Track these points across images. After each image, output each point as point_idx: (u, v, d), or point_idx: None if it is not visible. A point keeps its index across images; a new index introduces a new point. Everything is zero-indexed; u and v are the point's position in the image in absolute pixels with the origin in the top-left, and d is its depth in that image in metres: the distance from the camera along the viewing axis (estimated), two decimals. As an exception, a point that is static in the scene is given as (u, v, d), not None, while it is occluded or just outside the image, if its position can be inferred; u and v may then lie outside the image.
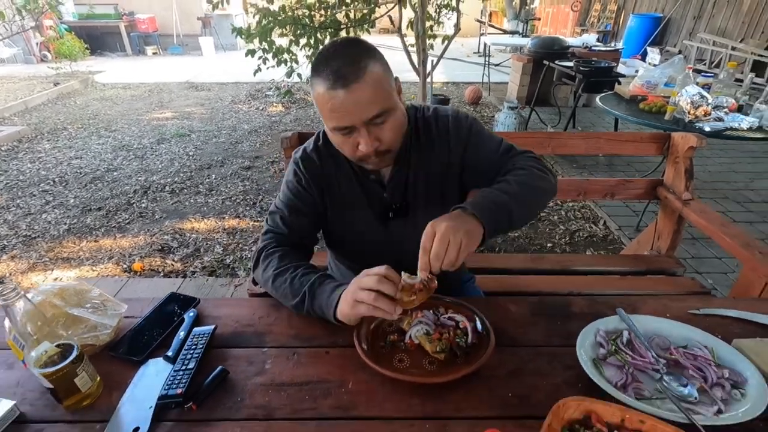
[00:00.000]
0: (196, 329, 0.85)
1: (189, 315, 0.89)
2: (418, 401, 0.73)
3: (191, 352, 0.79)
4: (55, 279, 2.48)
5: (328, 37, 4.30)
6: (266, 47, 4.20)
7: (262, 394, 0.74)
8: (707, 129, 2.36)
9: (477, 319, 0.87)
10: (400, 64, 4.28)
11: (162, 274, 2.50)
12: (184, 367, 0.76)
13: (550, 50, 5.20)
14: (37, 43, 9.21)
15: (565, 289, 1.55)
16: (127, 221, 3.09)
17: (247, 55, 4.08)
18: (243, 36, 4.02)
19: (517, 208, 0.86)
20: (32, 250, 2.76)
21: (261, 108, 5.88)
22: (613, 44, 9.91)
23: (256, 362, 0.81)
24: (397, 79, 0.91)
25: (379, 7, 4.40)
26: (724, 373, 0.74)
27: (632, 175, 3.75)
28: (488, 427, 0.67)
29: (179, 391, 0.71)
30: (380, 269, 0.78)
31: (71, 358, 0.68)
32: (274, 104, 5.99)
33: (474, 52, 10.19)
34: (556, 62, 4.53)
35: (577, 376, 0.76)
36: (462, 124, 1.01)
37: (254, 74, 4.07)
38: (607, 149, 1.77)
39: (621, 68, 6.52)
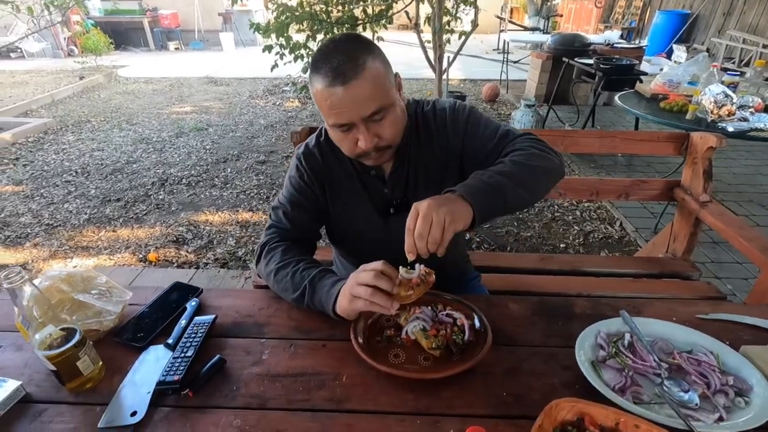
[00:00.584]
0: (197, 318, 0.87)
1: (191, 304, 0.91)
2: (411, 396, 0.73)
3: (191, 340, 0.81)
4: (74, 267, 2.56)
5: (345, 32, 4.30)
6: (283, 43, 4.23)
7: (257, 383, 0.75)
8: (730, 129, 2.28)
9: (475, 316, 0.86)
10: (417, 60, 4.27)
11: (176, 264, 2.56)
12: (182, 355, 0.77)
13: (571, 47, 5.10)
14: (64, 38, 9.48)
15: (573, 291, 1.52)
16: (144, 212, 3.17)
17: (264, 50, 4.12)
18: (260, 31, 4.06)
19: (513, 188, 0.82)
20: (54, 238, 2.85)
21: (277, 103, 5.94)
22: (637, 41, 9.67)
23: (253, 352, 0.82)
24: (397, 74, 0.91)
25: (396, 3, 4.39)
26: (728, 379, 0.72)
27: (652, 175, 3.66)
28: (480, 425, 0.66)
29: (176, 377, 0.73)
30: (377, 264, 0.78)
31: (74, 341, 0.70)
32: (291, 99, 6.03)
33: (493, 49, 10.05)
34: (576, 59, 4.44)
35: (575, 377, 0.75)
36: (459, 115, 0.99)
37: (271, 70, 4.11)
38: (623, 148, 1.73)
39: (645, 66, 6.36)
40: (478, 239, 2.81)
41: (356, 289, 0.77)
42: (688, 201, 1.64)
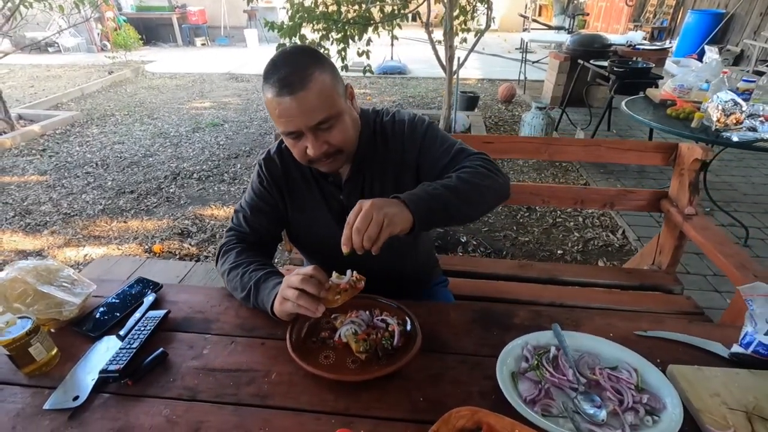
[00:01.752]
0: (150, 312, 0.93)
1: (147, 298, 0.97)
2: (331, 397, 0.76)
3: (140, 332, 0.87)
4: (85, 256, 2.71)
5: (357, 32, 4.35)
6: (297, 42, 4.31)
7: (192, 376, 0.81)
8: (735, 139, 2.20)
9: (408, 322, 0.89)
10: (434, 59, 4.28)
11: (178, 256, 2.67)
12: (128, 346, 0.83)
13: (589, 48, 4.99)
14: (98, 33, 9.88)
15: (546, 299, 1.52)
16: (155, 205, 3.30)
17: (277, 49, 4.21)
18: (275, 30, 4.14)
19: (456, 201, 0.86)
20: (69, 227, 3.01)
21: (293, 100, 6.03)
22: (668, 42, 9.32)
23: (196, 347, 0.87)
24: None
25: (410, 3, 4.39)
26: (642, 398, 0.73)
27: (664, 184, 3.55)
28: (389, 429, 0.70)
29: (118, 367, 0.79)
30: (308, 269, 0.82)
31: (25, 329, 0.77)
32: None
33: (516, 48, 9.88)
34: (591, 62, 4.34)
35: (493, 387, 0.77)
36: (417, 127, 1.02)
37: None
38: (609, 158, 1.71)
39: (672, 68, 6.15)
40: (474, 242, 2.81)
41: (286, 292, 0.82)
42: (673, 213, 1.61)
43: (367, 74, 5.21)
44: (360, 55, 4.64)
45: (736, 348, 0.84)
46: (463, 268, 1.68)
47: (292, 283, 0.81)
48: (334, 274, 0.85)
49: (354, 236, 0.76)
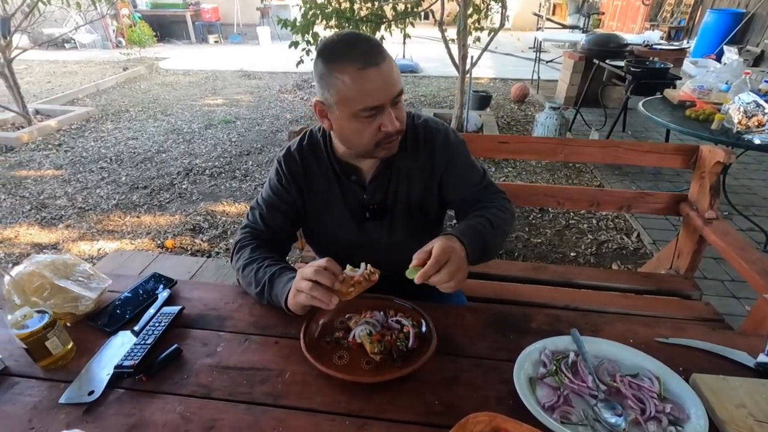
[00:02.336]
0: (165, 308, 0.93)
1: (162, 294, 0.97)
2: (345, 398, 0.76)
3: (154, 328, 0.87)
4: (99, 250, 2.74)
5: (370, 30, 4.33)
6: (310, 39, 4.31)
7: (206, 374, 0.81)
8: (757, 142, 2.15)
9: (423, 324, 0.88)
10: (447, 57, 4.26)
11: (189, 252, 2.69)
12: (143, 342, 0.83)
13: (605, 48, 4.91)
14: (113, 30, 10.00)
15: (560, 302, 1.50)
16: (167, 200, 3.33)
17: (290, 46, 4.21)
18: (288, 28, 4.14)
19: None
20: (84, 221, 3.05)
21: (305, 98, 6.05)
22: (686, 42, 9.16)
23: (210, 344, 0.87)
24: None
25: (423, 1, 4.37)
26: (665, 407, 0.71)
27: (681, 187, 3.49)
28: (415, 430, 0.69)
29: (132, 363, 0.79)
30: (321, 261, 0.82)
31: (42, 323, 0.77)
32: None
33: (529, 47, 9.79)
34: (607, 61, 4.27)
35: (510, 392, 0.75)
36: (450, 144, 1.04)
37: (297, 65, 4.20)
38: (626, 159, 1.67)
39: (690, 68, 6.03)
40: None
41: (299, 284, 0.82)
42: (692, 217, 1.57)
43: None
44: (372, 53, 4.62)
45: (762, 357, 0.81)
46: (476, 270, 1.65)
47: (306, 274, 0.81)
48: (348, 267, 0.84)
49: (429, 271, 0.79)
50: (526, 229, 2.95)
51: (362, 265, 0.84)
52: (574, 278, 1.64)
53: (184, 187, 3.54)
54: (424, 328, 0.87)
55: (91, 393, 0.75)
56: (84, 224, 3.01)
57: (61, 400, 0.75)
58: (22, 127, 4.59)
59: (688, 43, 8.81)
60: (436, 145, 1.03)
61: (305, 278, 0.81)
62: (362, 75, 0.82)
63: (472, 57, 4.15)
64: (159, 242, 2.79)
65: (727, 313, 2.16)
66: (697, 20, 9.34)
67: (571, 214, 3.11)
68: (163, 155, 4.15)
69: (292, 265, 0.99)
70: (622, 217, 3.07)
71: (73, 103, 5.79)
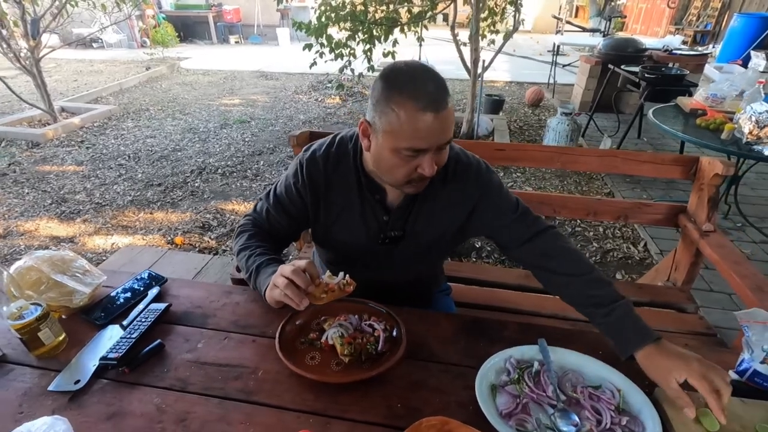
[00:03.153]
0: (153, 305, 0.98)
1: (152, 291, 1.02)
2: (311, 397, 0.79)
3: (140, 324, 0.92)
4: (113, 244, 2.84)
5: (383, 32, 4.37)
6: (324, 42, 4.38)
7: (185, 368, 0.85)
8: (767, 153, 2.10)
9: (395, 329, 0.90)
10: (459, 61, 4.27)
11: (197, 249, 2.77)
12: (128, 336, 0.89)
13: (622, 52, 4.82)
14: (138, 30, 10.30)
15: (549, 311, 1.51)
16: (179, 198, 3.43)
17: (304, 49, 4.29)
18: (303, 30, 4.22)
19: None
20: (100, 216, 3.17)
21: (319, 99, 6.12)
22: (711, 46, 8.91)
23: (191, 340, 0.92)
24: None
25: (438, 4, 4.38)
26: (621, 419, 0.72)
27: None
28: (375, 430, 0.72)
29: (116, 355, 0.84)
30: (302, 262, 0.86)
31: (35, 315, 0.83)
32: (332, 96, 6.20)
33: (548, 51, 9.67)
34: (622, 67, 4.20)
35: (472, 397, 0.77)
36: (483, 176, 1.01)
37: (310, 67, 4.27)
38: (625, 169, 1.66)
39: (713, 74, 5.87)
40: (489, 248, 2.78)
41: (277, 279, 0.86)
42: (690, 229, 1.56)
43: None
44: (386, 55, 4.66)
45: (731, 375, 0.81)
46: (470, 275, 1.67)
47: (284, 272, 0.85)
48: (327, 273, 0.87)
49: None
50: (531, 235, 2.93)
51: (340, 274, 0.88)
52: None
53: (196, 185, 3.64)
54: (395, 333, 0.90)
55: (77, 382, 0.81)
56: (100, 219, 3.13)
57: (50, 388, 0.80)
58: (48, 124, 4.79)
59: (713, 47, 8.57)
60: (468, 177, 1.00)
61: (283, 275, 0.85)
62: (421, 117, 0.79)
63: (483, 61, 4.15)
64: (169, 239, 2.88)
65: (730, 328, 2.12)
66: (724, 24, 9.09)
67: (578, 221, 3.08)
68: (179, 153, 4.27)
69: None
70: (630, 226, 3.02)
71: (96, 101, 6.00)
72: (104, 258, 2.64)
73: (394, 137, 0.83)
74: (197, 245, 2.81)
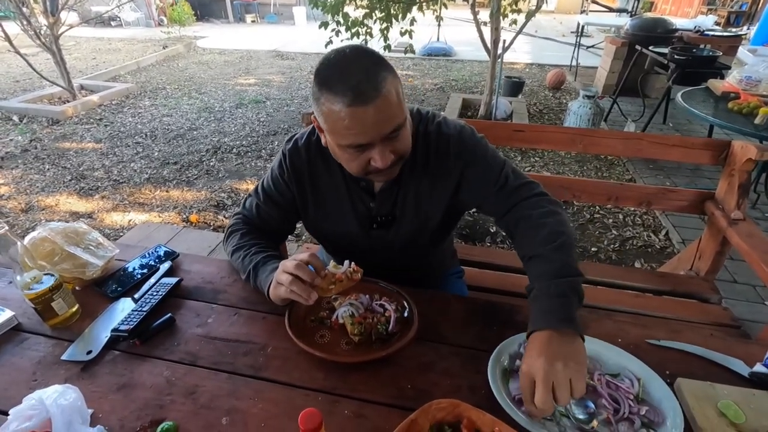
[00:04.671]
0: (164, 279, 0.98)
1: (163, 266, 1.02)
2: (321, 375, 0.78)
3: (152, 297, 0.92)
4: (129, 221, 2.88)
5: (401, 11, 4.27)
6: (340, 20, 4.29)
7: (195, 343, 0.85)
8: (804, 139, 1.99)
9: (407, 309, 0.88)
10: (477, 41, 4.16)
11: (212, 227, 2.79)
12: (140, 309, 0.89)
13: (651, 33, 4.62)
14: (155, 8, 10.29)
15: (566, 297, 1.46)
16: (195, 177, 3.45)
17: (320, 27, 4.21)
18: (319, 8, 4.14)
19: (579, 278, 0.79)
20: (117, 193, 3.22)
21: (335, 80, 6.05)
22: (746, 27, 8.49)
23: (202, 315, 0.91)
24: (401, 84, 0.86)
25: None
26: (640, 409, 0.69)
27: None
28: (373, 412, 0.70)
29: (128, 327, 0.84)
30: (304, 255, 0.83)
31: (48, 285, 0.83)
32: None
33: (571, 32, 9.35)
34: (651, 48, 4.02)
35: (484, 382, 0.75)
36: (465, 146, 0.93)
37: (325, 46, 4.19)
38: (651, 153, 1.59)
39: (747, 57, 5.60)
40: (503, 234, 2.73)
41: (280, 276, 0.82)
42: (717, 217, 1.49)
43: (409, 55, 5.09)
44: (402, 34, 4.56)
45: (758, 367, 0.78)
46: (483, 259, 1.64)
47: (287, 268, 0.81)
48: (332, 263, 0.85)
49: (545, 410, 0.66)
50: (547, 221, 2.87)
51: (345, 262, 0.85)
52: (585, 273, 1.59)
53: (211, 164, 3.65)
54: (407, 314, 0.88)
55: (89, 353, 0.81)
56: (117, 196, 3.17)
57: (63, 357, 0.81)
58: (68, 101, 4.85)
59: (748, 29, 8.15)
60: (449, 151, 0.93)
61: (286, 272, 0.81)
62: (350, 113, 0.74)
63: (504, 41, 4.01)
64: (184, 216, 2.91)
65: (755, 321, 2.05)
66: (761, 4, 8.63)
67: (597, 207, 3.00)
68: (195, 132, 4.28)
69: (298, 248, 1.01)
70: (651, 214, 2.93)
71: (114, 79, 6.04)
72: (121, 234, 2.68)
73: (333, 135, 0.81)
74: (212, 224, 2.83)
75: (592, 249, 2.62)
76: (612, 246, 2.64)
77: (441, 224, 1.02)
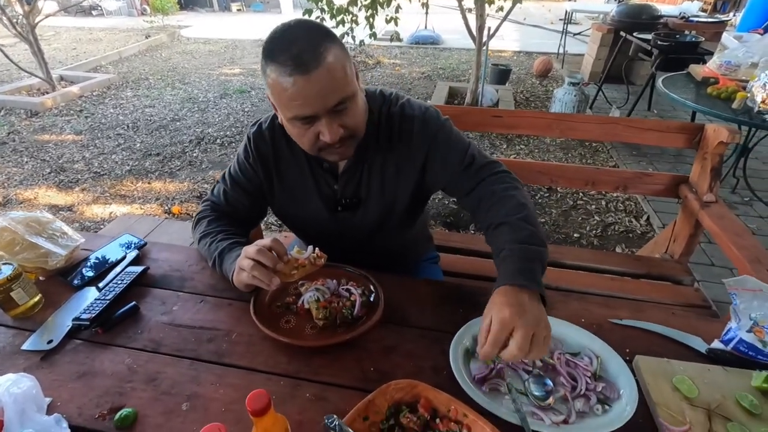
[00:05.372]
0: (130, 268, 0.97)
1: (130, 255, 1.01)
2: (285, 360, 0.78)
3: (116, 286, 0.91)
4: (111, 213, 2.85)
5: (385, -2, 4.21)
6: (324, 7, 4.24)
7: (159, 330, 0.84)
8: (778, 122, 2.01)
9: (373, 294, 0.88)
10: (465, 29, 4.12)
11: (194, 218, 2.76)
12: (103, 298, 0.88)
13: (636, 20, 4.62)
14: (138, -3, 10.07)
15: (544, 282, 1.48)
16: (178, 168, 3.41)
17: (304, 14, 4.15)
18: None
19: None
20: (98, 185, 3.17)
21: (321, 69, 5.98)
22: (732, 14, 8.52)
23: (167, 303, 0.91)
24: (354, 63, 0.86)
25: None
26: (597, 386, 0.70)
27: (702, 168, 3.32)
28: (335, 394, 0.71)
29: (89, 316, 0.83)
30: (266, 240, 0.82)
31: (7, 275, 0.82)
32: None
33: (559, 19, 9.31)
34: (635, 34, 4.03)
35: (447, 362, 0.75)
36: (429, 125, 0.93)
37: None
38: (626, 137, 1.60)
39: (732, 43, 5.61)
40: (467, 211, 2.74)
41: (242, 262, 0.82)
42: (690, 200, 1.51)
43: (395, 43, 5.04)
44: (388, 22, 4.51)
45: (715, 344, 0.79)
46: (461, 246, 1.64)
47: (248, 253, 0.81)
48: (296, 248, 0.85)
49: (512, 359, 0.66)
50: (531, 208, 2.89)
51: (309, 248, 0.85)
52: (562, 258, 1.60)
53: (194, 155, 3.61)
54: (372, 298, 0.88)
55: (50, 342, 0.80)
56: (98, 188, 3.13)
57: (24, 347, 0.80)
58: (47, 93, 4.74)
59: (734, 15, 8.18)
60: (413, 132, 0.92)
61: (248, 257, 0.80)
62: (291, 83, 0.74)
63: (489, 28, 3.99)
64: (166, 208, 2.87)
65: (730, 302, 2.09)
66: (747, -10, 8.64)
67: (580, 194, 3.02)
68: (178, 123, 4.22)
69: (277, 234, 0.99)
70: (633, 199, 2.96)
71: (96, 70, 5.92)
72: (102, 227, 2.65)
73: (281, 108, 0.81)
74: (193, 215, 2.80)
75: (575, 235, 2.65)
76: (594, 232, 2.67)
77: (409, 207, 1.02)
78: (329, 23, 4.31)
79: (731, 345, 0.76)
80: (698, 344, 0.81)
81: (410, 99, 0.97)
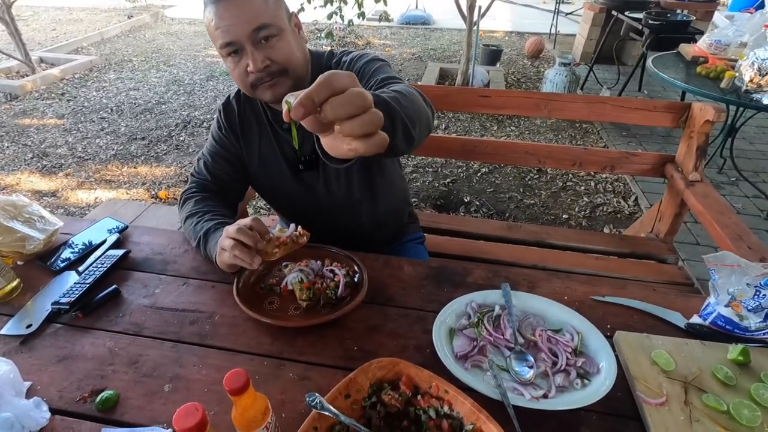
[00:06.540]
0: (110, 251, 0.95)
1: (110, 238, 0.99)
2: (268, 340, 0.78)
3: (96, 269, 0.90)
4: (96, 198, 2.80)
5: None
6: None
7: (141, 313, 0.83)
8: (766, 102, 2.01)
9: (357, 274, 0.88)
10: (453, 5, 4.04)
11: (182, 203, 2.73)
12: (82, 281, 0.86)
13: (629, -1, 4.57)
14: (119, -24, 9.70)
15: (529, 261, 1.49)
16: (164, 152, 3.35)
17: (290, -7, 4.04)
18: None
19: (402, 113, 0.68)
20: (83, 170, 3.11)
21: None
22: (725, -7, 8.44)
23: (149, 286, 0.90)
24: (294, 14, 0.91)
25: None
26: (577, 361, 0.71)
27: (690, 149, 3.33)
28: (318, 374, 0.71)
29: (69, 300, 0.82)
30: (246, 220, 0.81)
31: (-19, 260, 0.80)
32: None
33: (552, -2, 9.19)
34: (627, 13, 3.99)
35: (430, 341, 0.76)
36: (360, 61, 0.95)
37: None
38: (613, 117, 1.59)
39: (723, 23, 5.59)
40: (477, 203, 2.75)
41: (223, 242, 0.81)
42: (676, 179, 1.52)
43: (385, 23, 4.94)
44: (377, 1, 4.42)
45: (694, 318, 0.80)
46: (449, 227, 1.65)
47: (229, 233, 0.80)
48: (277, 227, 0.84)
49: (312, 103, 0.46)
50: (521, 189, 2.89)
51: (291, 226, 0.84)
52: (548, 238, 1.61)
53: (181, 138, 3.54)
54: (357, 278, 0.87)
55: (29, 326, 0.79)
56: (83, 173, 3.07)
57: (2, 332, 0.79)
58: (27, 75, 4.60)
59: (726, -6, 8.12)
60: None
61: (228, 236, 0.80)
62: (214, 10, 0.81)
63: (480, 7, 3.92)
64: (153, 193, 2.83)
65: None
66: (739, -31, 8.56)
67: (570, 175, 3.03)
68: (163, 106, 4.13)
69: (264, 218, 0.98)
70: (622, 180, 2.98)
71: (77, 51, 5.74)
72: (87, 212, 2.61)
73: (213, 42, 0.86)
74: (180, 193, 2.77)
75: (564, 216, 2.66)
76: (583, 213, 2.68)
77: (371, 163, 1.03)
78: (317, 1, 4.21)
79: (709, 320, 0.78)
80: (677, 319, 0.82)
81: (353, 51, 0.99)
